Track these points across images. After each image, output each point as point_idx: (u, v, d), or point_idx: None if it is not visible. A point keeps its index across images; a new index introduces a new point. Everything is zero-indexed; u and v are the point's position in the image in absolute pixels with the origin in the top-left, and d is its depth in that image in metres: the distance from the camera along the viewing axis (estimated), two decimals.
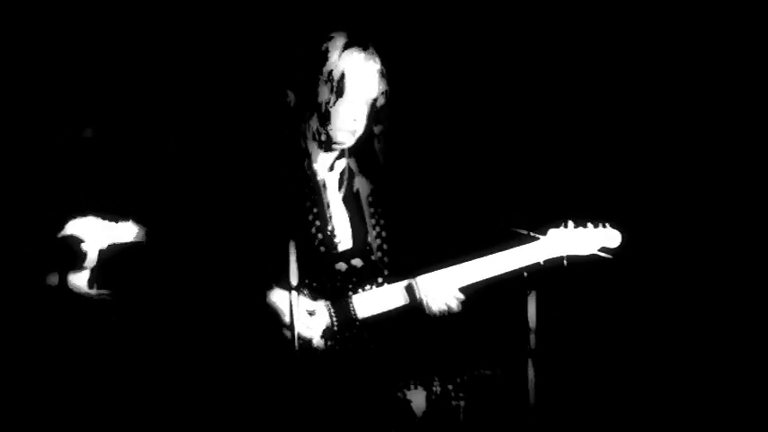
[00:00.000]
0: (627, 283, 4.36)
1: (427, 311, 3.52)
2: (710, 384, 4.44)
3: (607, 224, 3.57)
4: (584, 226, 3.57)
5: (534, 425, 3.94)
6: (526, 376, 3.81)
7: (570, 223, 3.56)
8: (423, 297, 3.50)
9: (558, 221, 3.56)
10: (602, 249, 3.57)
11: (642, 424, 4.42)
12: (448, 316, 3.52)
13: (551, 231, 3.56)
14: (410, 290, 3.51)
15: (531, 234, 3.54)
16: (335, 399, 3.46)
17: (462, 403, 4.02)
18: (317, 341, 3.48)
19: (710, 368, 4.45)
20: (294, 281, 3.22)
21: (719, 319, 4.44)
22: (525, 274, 3.53)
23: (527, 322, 3.77)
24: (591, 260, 3.57)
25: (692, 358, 4.46)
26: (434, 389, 3.93)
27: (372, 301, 3.51)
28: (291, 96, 3.54)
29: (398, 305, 3.51)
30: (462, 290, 3.53)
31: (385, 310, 3.51)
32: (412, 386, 3.80)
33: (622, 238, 3.57)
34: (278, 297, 3.44)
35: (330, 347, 3.49)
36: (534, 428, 3.94)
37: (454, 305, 3.52)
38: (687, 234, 4.42)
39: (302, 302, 3.46)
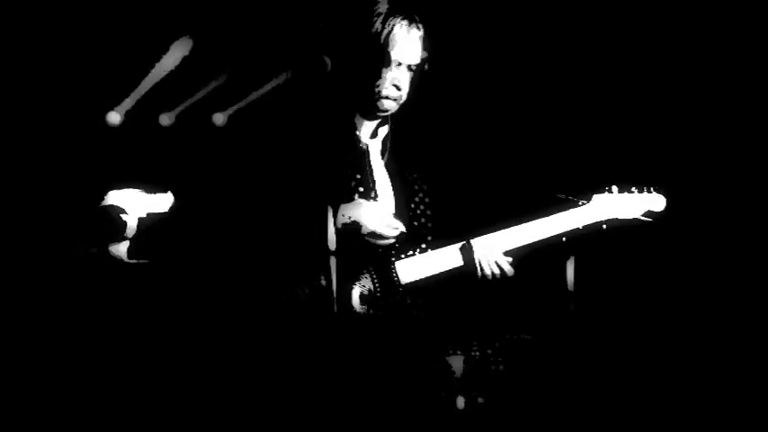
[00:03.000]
0: (670, 249, 4.37)
1: (480, 274, 3.54)
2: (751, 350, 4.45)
3: (652, 189, 3.58)
4: (629, 191, 3.58)
5: (572, 386, 3.97)
6: (565, 341, 3.83)
7: (615, 188, 3.57)
8: (477, 259, 3.52)
9: (603, 187, 3.56)
10: (647, 214, 3.58)
11: (682, 383, 4.43)
12: (499, 278, 3.54)
13: (596, 197, 3.57)
14: (465, 252, 3.52)
15: (576, 200, 3.55)
16: (375, 364, 3.49)
17: (501, 368, 4.04)
18: (359, 307, 3.50)
19: (751, 331, 4.47)
20: (332, 246, 3.24)
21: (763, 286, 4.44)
22: (564, 239, 3.55)
23: (566, 287, 3.79)
24: (635, 224, 3.58)
25: (733, 326, 4.46)
26: (474, 353, 3.95)
27: (417, 267, 3.53)
28: (328, 62, 3.54)
29: (450, 268, 3.53)
30: (507, 254, 3.55)
31: (431, 273, 3.52)
32: (451, 351, 3.82)
33: (667, 202, 3.58)
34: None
35: (372, 313, 3.51)
36: (572, 390, 3.97)
37: (507, 268, 3.54)
38: (732, 197, 4.42)
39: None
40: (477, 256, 3.51)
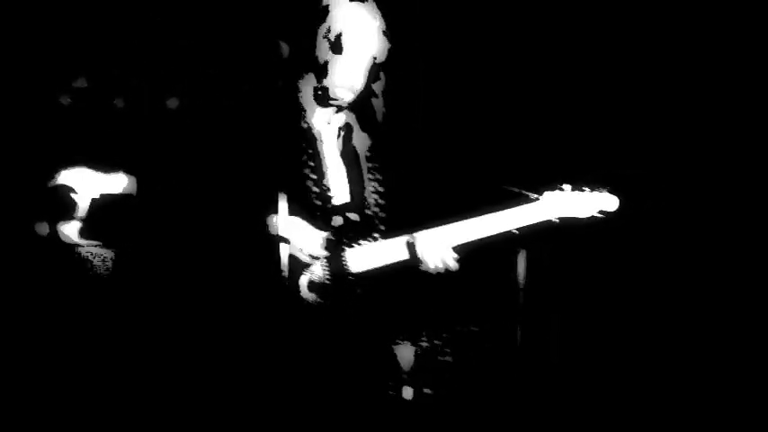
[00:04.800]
0: (620, 249, 4.38)
1: (424, 268, 3.53)
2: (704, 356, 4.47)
3: (604, 189, 3.57)
4: (581, 189, 3.57)
5: (521, 381, 3.98)
6: (514, 333, 3.84)
7: (567, 186, 3.56)
8: (421, 253, 3.52)
9: (554, 184, 3.55)
10: (599, 214, 3.56)
11: (628, 383, 4.46)
12: (443, 273, 3.53)
13: (547, 194, 3.55)
14: (410, 245, 3.51)
15: (527, 195, 3.54)
16: (323, 352, 3.48)
17: (449, 359, 4.05)
18: (308, 295, 3.49)
19: (705, 339, 4.49)
20: (283, 232, 3.23)
21: (716, 290, 4.47)
22: (516, 231, 3.54)
23: (516, 280, 3.79)
24: (585, 223, 3.57)
25: (685, 326, 4.49)
26: (422, 344, 3.95)
27: (367, 256, 3.52)
28: (284, 48, 3.52)
29: (396, 260, 3.52)
30: (456, 248, 3.54)
31: (380, 264, 3.52)
32: (399, 341, 3.82)
33: (620, 203, 3.57)
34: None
35: (321, 301, 3.50)
36: (521, 385, 3.98)
37: (451, 263, 3.53)
38: (686, 198, 4.44)
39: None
40: (419, 250, 3.50)
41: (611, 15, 4.49)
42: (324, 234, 3.49)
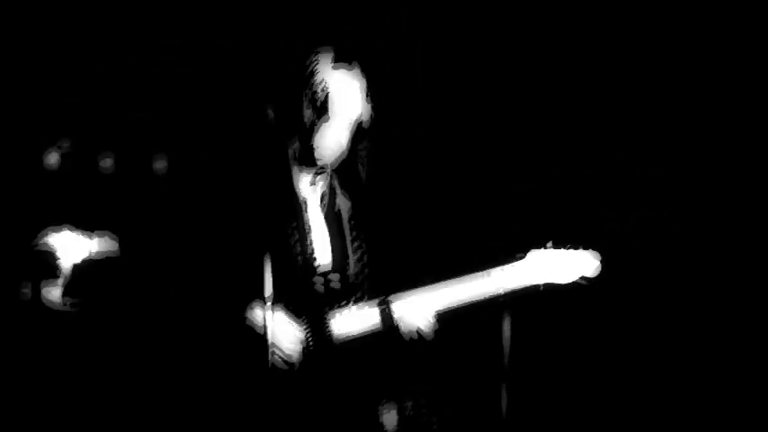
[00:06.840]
0: (604, 305, 4.37)
1: (400, 334, 3.52)
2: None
3: (587, 247, 3.57)
4: (565, 248, 3.57)
5: None
6: (500, 394, 3.82)
7: (550, 245, 3.56)
8: (396, 320, 3.51)
9: (538, 243, 3.55)
10: (582, 274, 3.56)
11: None
12: (419, 340, 3.52)
13: (531, 252, 3.56)
14: (384, 312, 3.51)
15: (512, 254, 3.54)
16: (308, 418, 3.46)
17: (435, 420, 4.03)
18: (291, 359, 3.47)
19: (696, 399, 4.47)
20: (268, 295, 3.22)
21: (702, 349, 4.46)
22: (501, 294, 3.53)
23: (501, 341, 3.78)
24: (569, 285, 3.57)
25: (672, 384, 4.47)
26: (407, 406, 3.93)
27: (349, 321, 3.51)
28: (271, 113, 3.53)
29: (373, 326, 3.51)
30: (436, 313, 3.52)
31: (361, 330, 3.51)
32: (385, 404, 3.79)
33: (602, 261, 3.56)
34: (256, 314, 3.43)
35: (304, 366, 3.48)
36: None
37: (426, 330, 3.52)
38: (669, 258, 4.43)
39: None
40: (395, 317, 3.50)
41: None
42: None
